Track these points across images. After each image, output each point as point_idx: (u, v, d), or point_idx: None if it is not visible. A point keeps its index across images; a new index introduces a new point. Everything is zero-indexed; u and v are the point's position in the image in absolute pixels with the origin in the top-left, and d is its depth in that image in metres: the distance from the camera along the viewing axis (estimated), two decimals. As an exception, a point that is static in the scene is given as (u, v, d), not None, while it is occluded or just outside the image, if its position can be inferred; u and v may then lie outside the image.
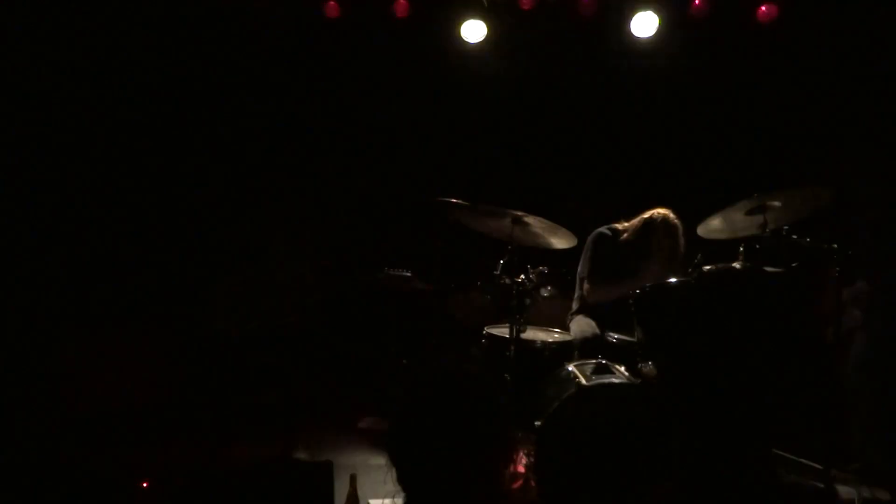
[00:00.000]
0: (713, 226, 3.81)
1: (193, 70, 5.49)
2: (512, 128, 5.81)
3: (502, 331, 4.10)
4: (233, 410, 3.98)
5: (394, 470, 1.30)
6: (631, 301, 3.54)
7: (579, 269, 4.35)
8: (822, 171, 3.88)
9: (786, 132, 5.33)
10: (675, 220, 4.16)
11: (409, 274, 5.03)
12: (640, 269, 4.05)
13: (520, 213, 3.78)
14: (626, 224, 4.30)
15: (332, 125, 5.42)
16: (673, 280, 3.45)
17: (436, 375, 1.30)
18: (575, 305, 4.39)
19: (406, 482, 1.27)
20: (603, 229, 4.33)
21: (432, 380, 1.29)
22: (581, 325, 4.19)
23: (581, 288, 4.32)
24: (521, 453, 3.68)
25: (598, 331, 4.08)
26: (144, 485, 3.53)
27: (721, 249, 3.66)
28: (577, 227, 4.22)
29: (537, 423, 3.34)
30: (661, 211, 4.18)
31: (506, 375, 3.64)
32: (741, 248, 3.51)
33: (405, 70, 5.79)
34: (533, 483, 3.36)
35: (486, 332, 4.36)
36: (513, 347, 3.76)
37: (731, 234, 3.83)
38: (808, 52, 5.15)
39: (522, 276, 4.59)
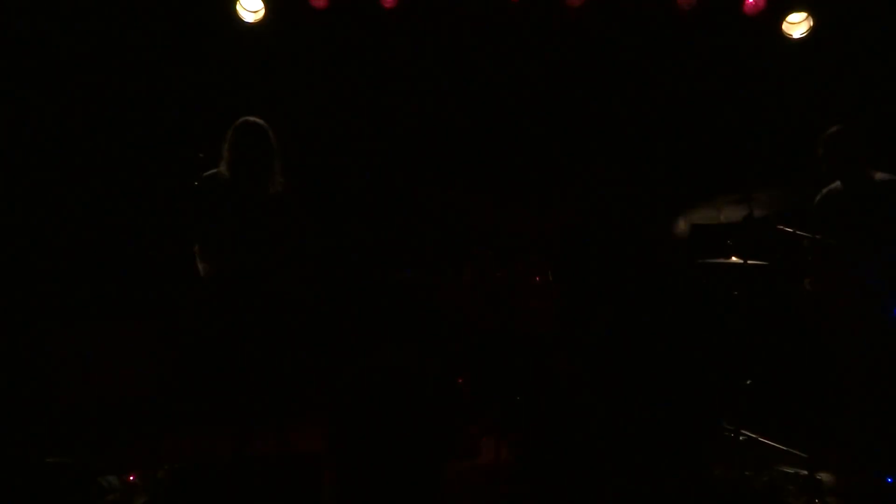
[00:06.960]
0: (699, 214, 3.82)
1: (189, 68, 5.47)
2: (505, 118, 5.75)
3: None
4: (222, 402, 3.95)
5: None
6: None
7: None
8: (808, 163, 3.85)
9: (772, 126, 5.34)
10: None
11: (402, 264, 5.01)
12: None
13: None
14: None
15: (318, 115, 5.35)
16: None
17: (373, 372, 1.35)
18: None
19: (349, 473, 1.32)
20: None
21: (371, 376, 1.35)
22: None
23: None
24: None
25: None
26: (132, 478, 3.54)
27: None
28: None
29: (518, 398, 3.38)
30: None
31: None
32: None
33: (401, 57, 5.73)
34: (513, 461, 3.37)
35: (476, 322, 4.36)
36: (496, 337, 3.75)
37: (716, 221, 3.84)
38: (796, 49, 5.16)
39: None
